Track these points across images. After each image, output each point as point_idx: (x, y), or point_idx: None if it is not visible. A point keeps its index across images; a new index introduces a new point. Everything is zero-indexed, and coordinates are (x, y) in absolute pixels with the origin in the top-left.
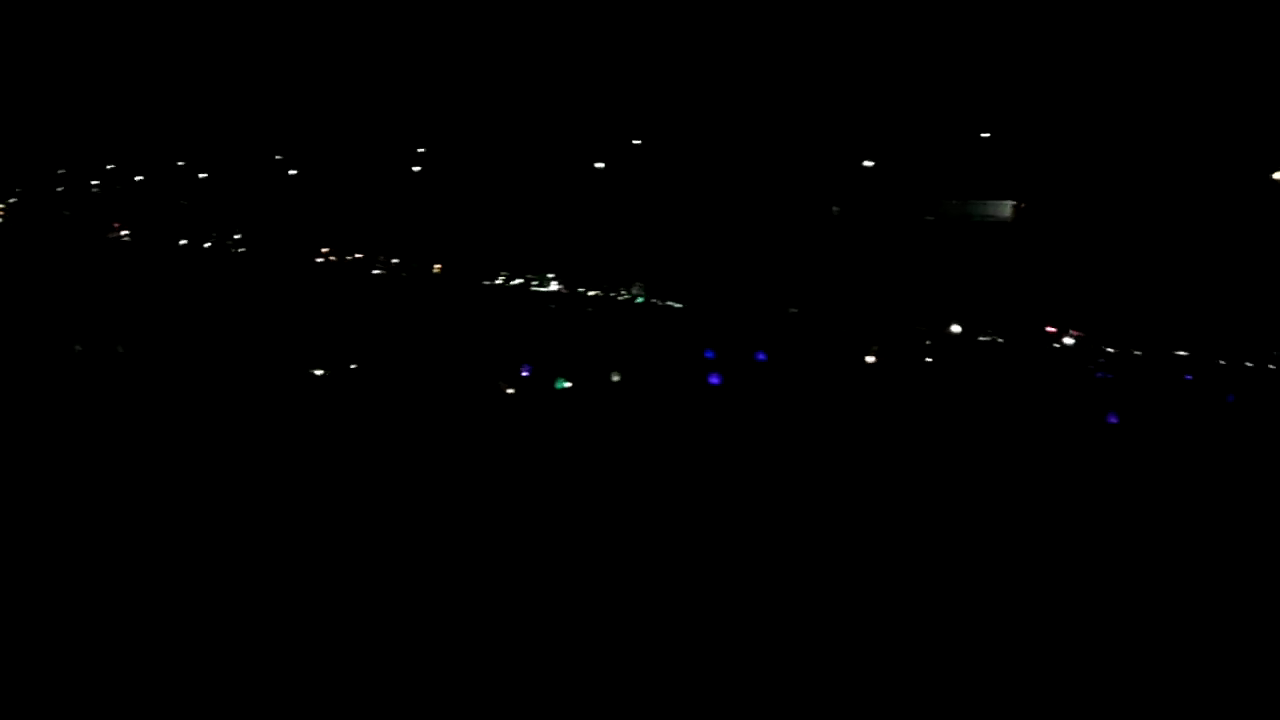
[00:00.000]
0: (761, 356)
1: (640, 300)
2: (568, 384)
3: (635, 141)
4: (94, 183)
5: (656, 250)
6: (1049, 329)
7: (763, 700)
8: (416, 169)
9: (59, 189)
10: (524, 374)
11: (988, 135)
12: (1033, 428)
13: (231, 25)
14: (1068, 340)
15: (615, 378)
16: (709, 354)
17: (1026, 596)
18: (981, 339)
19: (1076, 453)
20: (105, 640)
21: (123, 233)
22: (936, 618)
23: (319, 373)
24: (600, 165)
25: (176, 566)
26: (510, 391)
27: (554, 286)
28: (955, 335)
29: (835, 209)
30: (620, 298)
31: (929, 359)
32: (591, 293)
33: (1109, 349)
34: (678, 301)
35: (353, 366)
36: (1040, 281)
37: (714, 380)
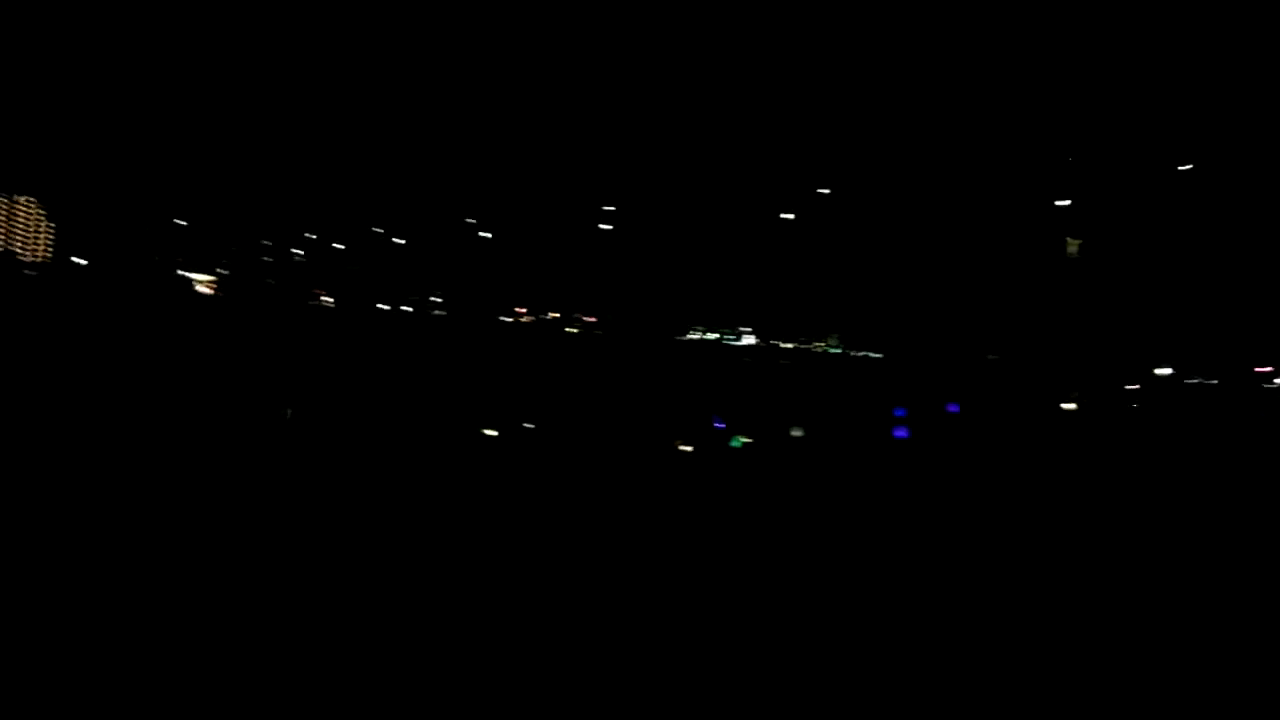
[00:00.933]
0: (954, 408)
1: (835, 351)
2: (744, 441)
3: (823, 190)
4: (298, 251)
5: (852, 301)
6: (1261, 369)
7: None
8: (607, 226)
9: (264, 259)
10: (717, 426)
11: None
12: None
13: (419, 100)
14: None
15: (798, 432)
16: (899, 411)
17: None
18: (1190, 382)
19: None
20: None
21: (325, 299)
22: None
23: (492, 432)
24: (789, 216)
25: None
26: (689, 449)
27: (748, 340)
28: (1163, 379)
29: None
30: (815, 349)
31: (1134, 404)
32: (786, 345)
33: None
34: (875, 352)
35: (532, 423)
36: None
37: (901, 434)
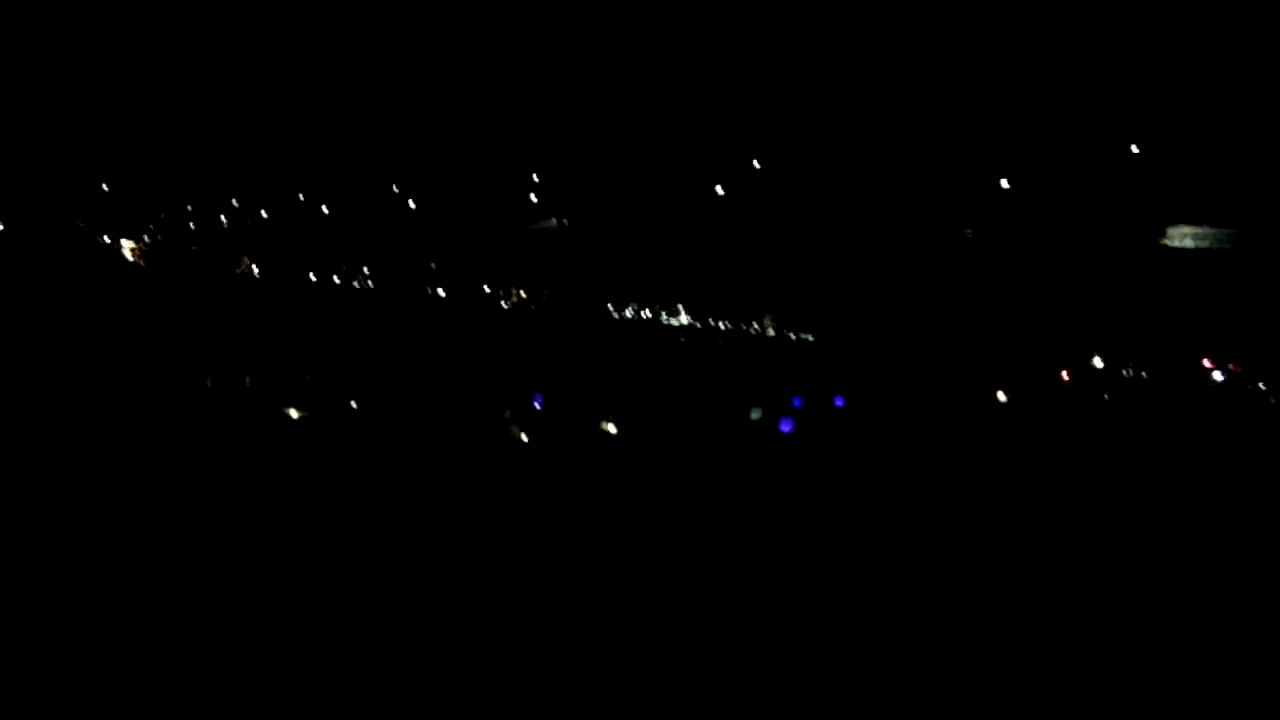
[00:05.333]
0: (840, 401)
1: (771, 333)
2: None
3: (755, 164)
4: (222, 218)
5: (788, 281)
6: (1205, 362)
7: None
8: (533, 197)
9: (189, 225)
10: (536, 405)
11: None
12: (1193, 473)
13: (354, 70)
14: (1220, 375)
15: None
16: (797, 402)
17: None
18: (1126, 373)
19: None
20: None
21: (252, 267)
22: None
23: (432, 397)
24: (720, 191)
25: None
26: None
27: (683, 319)
28: (1097, 370)
29: (969, 231)
30: (752, 330)
31: (1068, 395)
32: (722, 324)
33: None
34: (809, 334)
35: (463, 396)
36: (1192, 310)
37: (785, 428)
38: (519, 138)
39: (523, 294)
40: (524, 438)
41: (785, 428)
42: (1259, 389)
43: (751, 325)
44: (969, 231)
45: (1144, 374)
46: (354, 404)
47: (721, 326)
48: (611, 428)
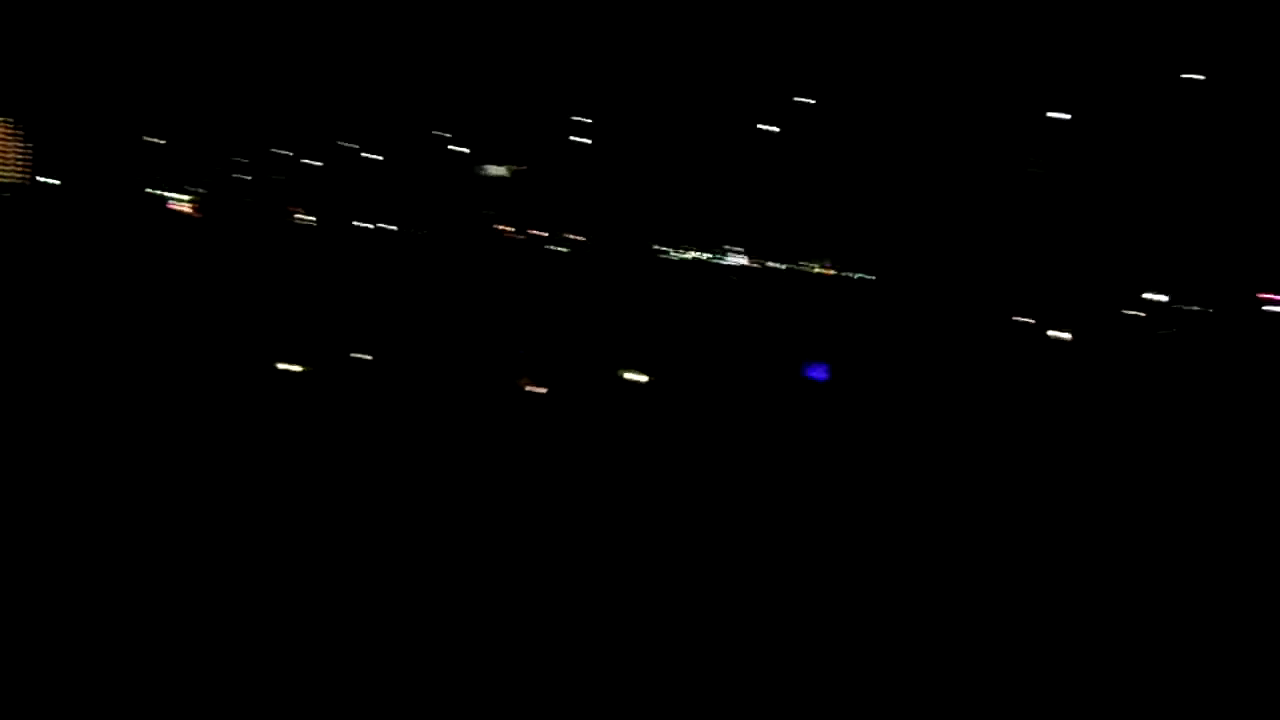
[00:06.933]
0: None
1: (829, 274)
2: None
3: (810, 100)
4: (276, 171)
5: (846, 223)
6: (1262, 295)
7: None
8: (576, 138)
9: (240, 177)
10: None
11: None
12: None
13: (391, 11)
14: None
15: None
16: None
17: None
18: (1189, 308)
19: None
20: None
21: (305, 217)
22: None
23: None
24: (774, 128)
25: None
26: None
27: (738, 260)
28: (1158, 305)
29: (1033, 170)
30: (809, 270)
31: (1127, 334)
32: (779, 266)
33: None
34: (870, 274)
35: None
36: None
37: (817, 375)
38: (570, 73)
39: (571, 237)
40: (534, 389)
41: (818, 375)
42: None
43: (808, 266)
44: (1034, 170)
45: (1205, 310)
46: (397, 352)
47: (778, 268)
48: (636, 376)
